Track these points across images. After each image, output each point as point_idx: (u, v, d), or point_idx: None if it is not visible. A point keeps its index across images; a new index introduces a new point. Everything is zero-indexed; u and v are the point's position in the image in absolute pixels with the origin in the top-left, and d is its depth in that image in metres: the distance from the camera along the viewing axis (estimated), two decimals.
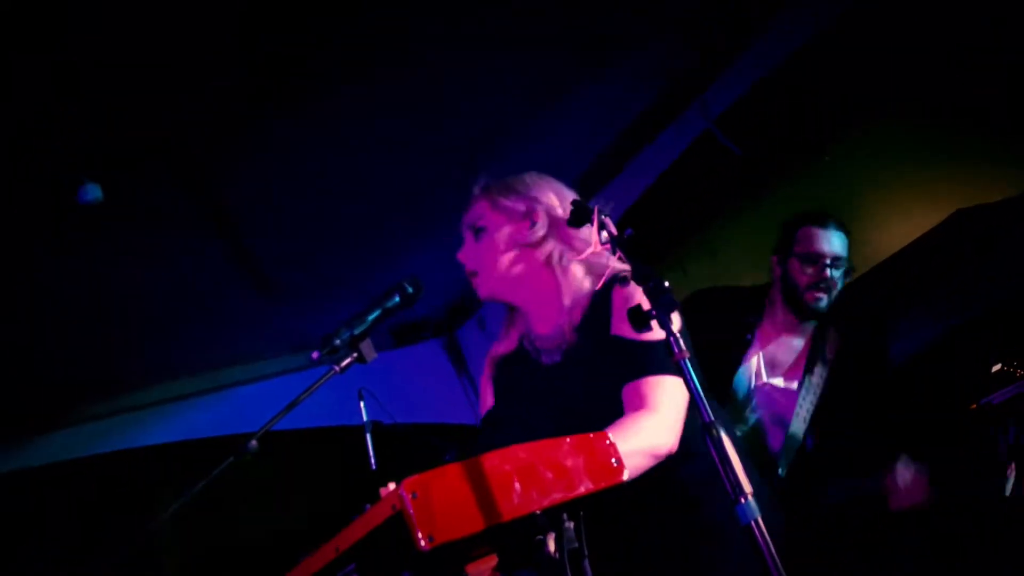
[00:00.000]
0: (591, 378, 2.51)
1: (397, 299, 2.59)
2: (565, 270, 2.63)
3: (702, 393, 1.76)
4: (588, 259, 2.64)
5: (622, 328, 2.45)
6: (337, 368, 2.47)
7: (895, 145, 5.17)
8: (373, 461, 4.34)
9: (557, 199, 2.69)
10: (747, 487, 1.74)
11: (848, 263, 3.79)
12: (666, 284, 1.81)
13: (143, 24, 3.50)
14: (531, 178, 2.73)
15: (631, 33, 4.40)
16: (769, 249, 3.94)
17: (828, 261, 3.71)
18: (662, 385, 2.37)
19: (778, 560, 1.73)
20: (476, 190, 2.75)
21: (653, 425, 2.30)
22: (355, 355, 2.48)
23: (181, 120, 4.01)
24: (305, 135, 4.40)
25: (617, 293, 2.53)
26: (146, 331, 5.24)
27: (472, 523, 1.80)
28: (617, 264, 2.62)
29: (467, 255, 2.72)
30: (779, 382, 3.71)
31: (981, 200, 4.77)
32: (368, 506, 1.88)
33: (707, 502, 2.44)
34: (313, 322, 5.34)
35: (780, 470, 3.59)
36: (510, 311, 2.81)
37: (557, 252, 2.65)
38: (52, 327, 4.91)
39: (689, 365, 1.78)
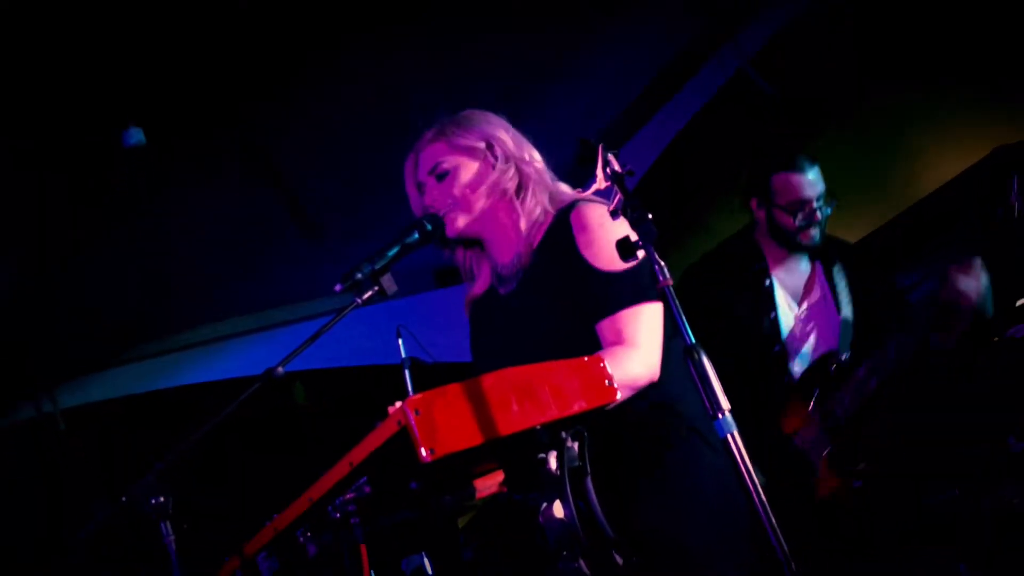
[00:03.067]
0: (547, 297, 2.58)
1: (416, 236, 2.67)
2: (524, 200, 2.70)
3: (683, 317, 1.87)
4: (545, 188, 2.72)
5: (591, 254, 2.51)
6: (359, 300, 2.57)
7: (935, 87, 5.15)
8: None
9: (506, 133, 2.77)
10: (725, 404, 1.85)
11: (828, 191, 3.78)
12: (649, 216, 1.91)
13: None
14: (478, 115, 2.79)
15: None
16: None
17: (814, 204, 3.73)
18: (638, 316, 2.44)
19: (754, 474, 1.84)
20: (429, 135, 2.78)
21: (634, 359, 2.38)
22: (376, 288, 2.57)
23: (231, 70, 4.14)
24: (349, 80, 4.51)
25: (574, 215, 2.58)
26: (198, 273, 5.44)
27: (471, 437, 1.93)
28: (573, 192, 2.71)
29: (436, 198, 2.74)
30: (804, 307, 3.78)
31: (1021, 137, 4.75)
32: (378, 423, 2.02)
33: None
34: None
35: (844, 356, 3.68)
36: (469, 249, 2.86)
37: (517, 184, 2.72)
38: (111, 271, 5.12)
39: (671, 291, 1.89)
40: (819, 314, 3.79)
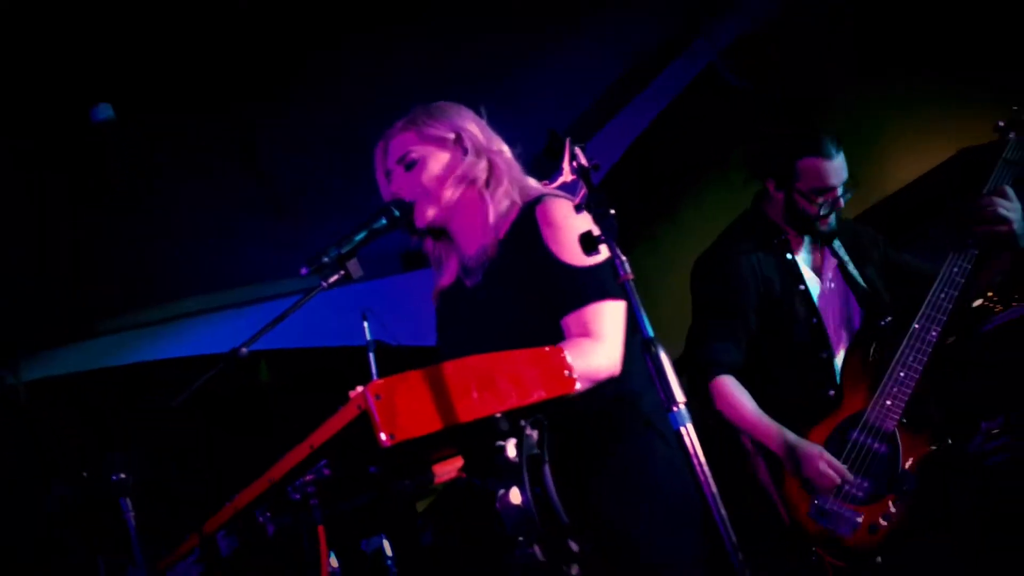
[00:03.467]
0: (513, 289, 2.61)
1: (384, 221, 2.69)
2: (493, 193, 2.72)
3: (642, 310, 1.91)
4: (514, 181, 2.74)
5: (557, 248, 2.54)
6: (325, 284, 2.60)
7: (904, 89, 5.21)
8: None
9: (476, 126, 2.79)
10: (680, 397, 1.89)
11: (851, 176, 3.62)
12: (612, 211, 1.94)
13: None
14: (449, 107, 2.81)
15: None
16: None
17: (839, 192, 3.58)
18: (603, 312, 2.48)
19: (706, 467, 1.88)
20: (400, 124, 2.79)
21: (597, 352, 2.42)
22: (342, 272, 2.60)
23: (230, 69, 4.14)
24: (326, 65, 4.50)
25: (540, 209, 2.61)
26: (168, 250, 5.43)
27: (430, 423, 1.96)
28: (540, 186, 2.73)
29: (403, 187, 2.76)
30: (829, 281, 3.69)
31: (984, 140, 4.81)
32: (340, 407, 2.05)
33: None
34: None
35: (883, 321, 3.55)
36: (438, 240, 2.87)
37: (486, 175, 2.74)
38: (76, 243, 5.11)
39: (632, 286, 1.93)
40: (841, 288, 3.71)
